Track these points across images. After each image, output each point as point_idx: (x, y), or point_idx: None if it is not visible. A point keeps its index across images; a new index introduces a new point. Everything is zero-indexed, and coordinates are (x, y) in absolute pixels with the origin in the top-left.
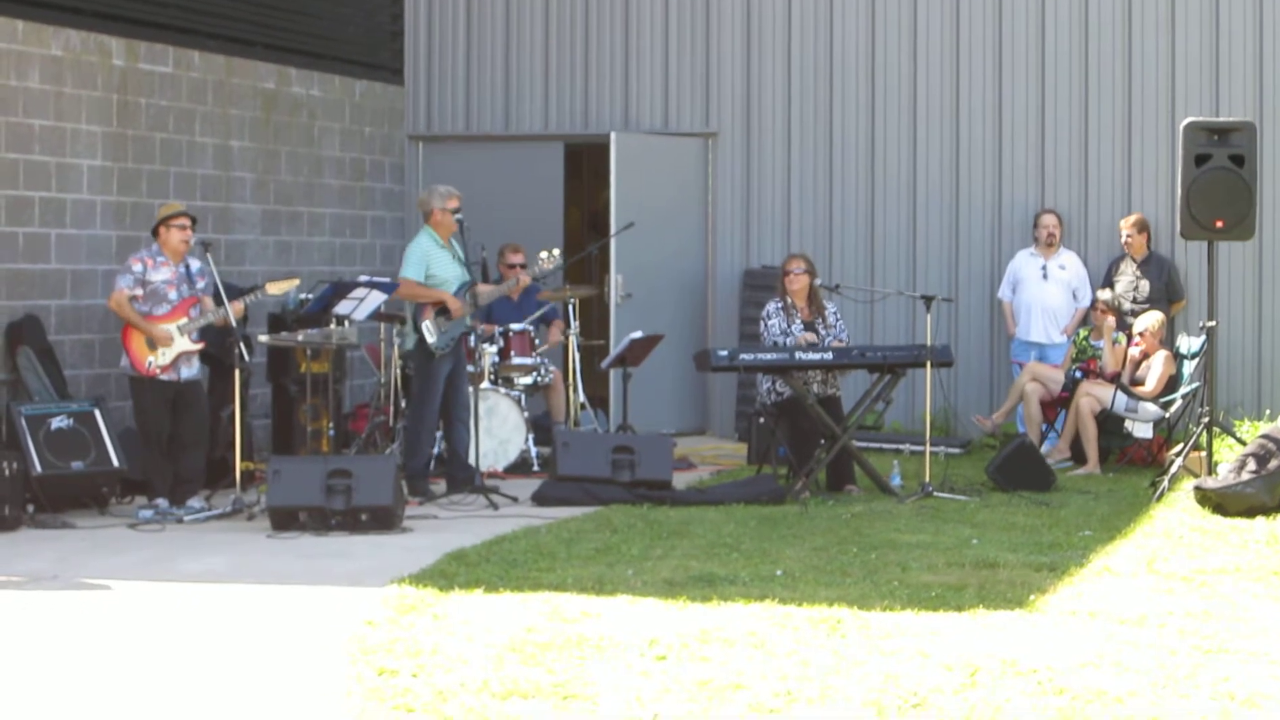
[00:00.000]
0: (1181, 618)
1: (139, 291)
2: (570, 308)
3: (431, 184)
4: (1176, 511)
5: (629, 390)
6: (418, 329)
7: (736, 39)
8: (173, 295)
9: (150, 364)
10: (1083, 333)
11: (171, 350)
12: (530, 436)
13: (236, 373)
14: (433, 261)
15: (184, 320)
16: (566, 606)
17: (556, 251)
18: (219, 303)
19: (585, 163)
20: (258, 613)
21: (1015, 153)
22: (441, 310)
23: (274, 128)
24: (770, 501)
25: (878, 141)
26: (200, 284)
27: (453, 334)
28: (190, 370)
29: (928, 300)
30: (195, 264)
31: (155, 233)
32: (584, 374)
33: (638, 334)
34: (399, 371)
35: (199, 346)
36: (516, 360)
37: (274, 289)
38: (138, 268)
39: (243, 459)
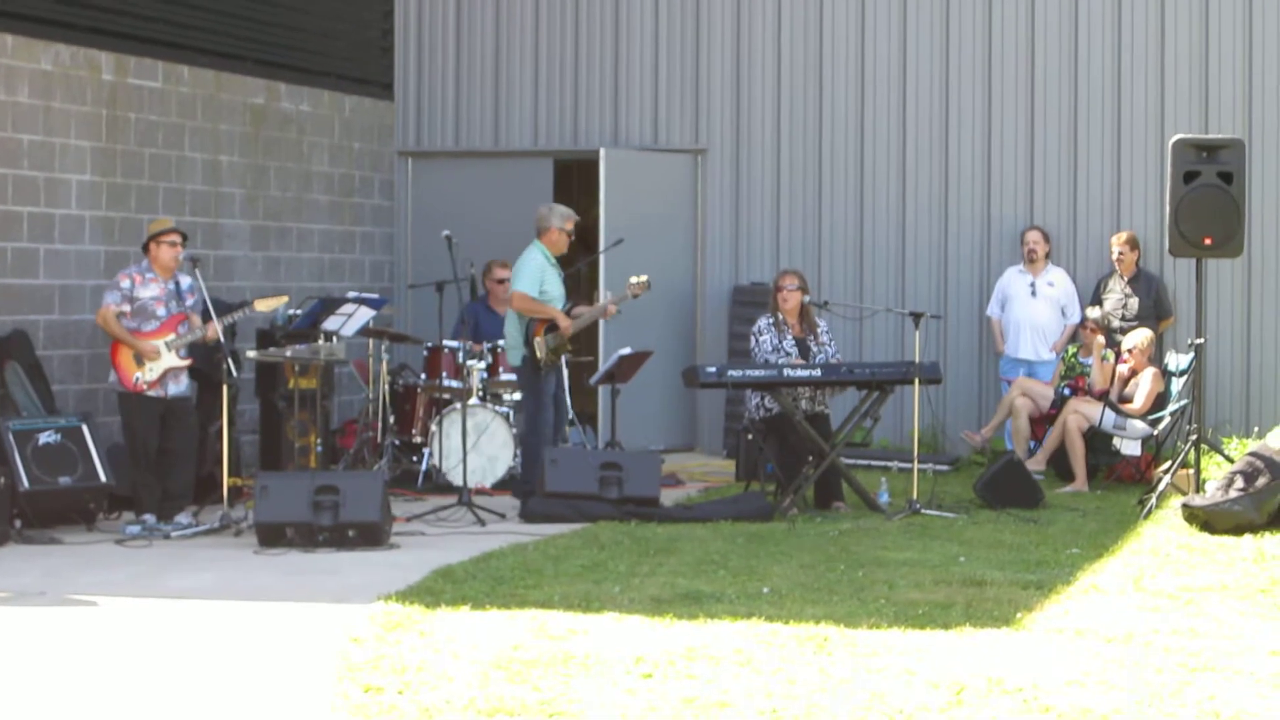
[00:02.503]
0: (1168, 635)
1: (126, 308)
2: None
3: (551, 204)
4: (1164, 529)
5: (617, 407)
6: (527, 344)
7: (726, 55)
8: (161, 311)
9: (138, 380)
10: (1071, 350)
11: (159, 366)
12: (518, 453)
13: (225, 388)
14: (545, 278)
15: (171, 336)
16: (553, 624)
17: (645, 277)
18: (207, 319)
19: (575, 178)
20: (244, 629)
21: (1004, 170)
22: (551, 327)
23: (263, 143)
24: (758, 519)
25: (867, 158)
26: (189, 301)
27: (561, 350)
28: (179, 386)
29: (916, 317)
30: (185, 280)
31: (145, 249)
32: (572, 390)
33: (626, 350)
34: (387, 387)
35: (186, 363)
36: (505, 376)
37: (262, 306)
38: (125, 284)
39: (230, 475)
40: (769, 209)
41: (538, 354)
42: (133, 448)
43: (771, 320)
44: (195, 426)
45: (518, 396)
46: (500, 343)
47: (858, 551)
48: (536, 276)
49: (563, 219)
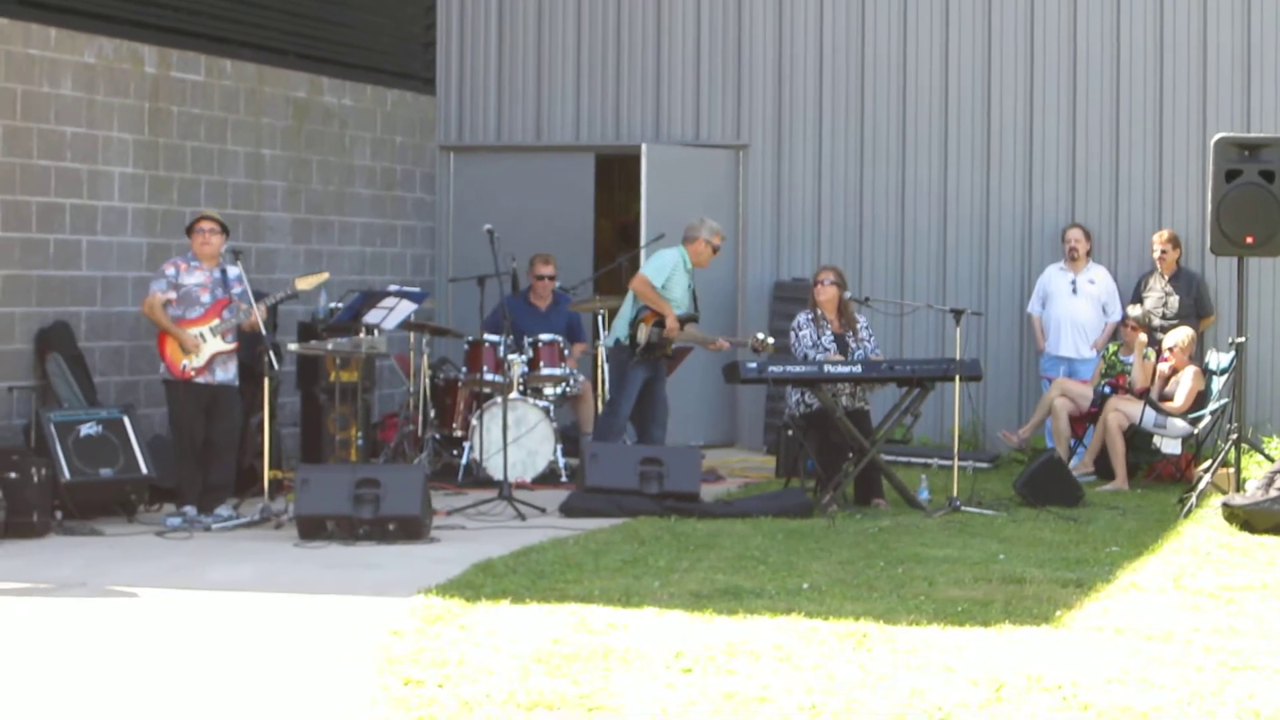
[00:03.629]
0: (1208, 634)
1: (172, 295)
2: (600, 319)
3: (703, 217)
4: (1204, 528)
5: None
6: (632, 329)
7: (768, 51)
8: (205, 298)
9: (185, 366)
10: (1112, 348)
11: (205, 352)
12: (559, 447)
13: (266, 381)
14: (673, 277)
15: (216, 321)
16: (593, 618)
17: (771, 340)
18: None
19: (616, 174)
20: (284, 622)
21: (1046, 167)
22: (659, 323)
23: (305, 136)
24: (798, 515)
25: (908, 154)
26: (236, 290)
27: (659, 349)
28: (226, 374)
29: (957, 314)
30: (233, 271)
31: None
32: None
33: None
34: (428, 381)
35: (233, 347)
36: (546, 371)
37: (303, 284)
38: (170, 271)
39: (271, 467)
40: (810, 205)
41: (638, 338)
42: (178, 437)
43: (810, 315)
44: (239, 417)
45: (558, 391)
46: (543, 337)
47: (897, 548)
48: (665, 271)
49: (711, 232)
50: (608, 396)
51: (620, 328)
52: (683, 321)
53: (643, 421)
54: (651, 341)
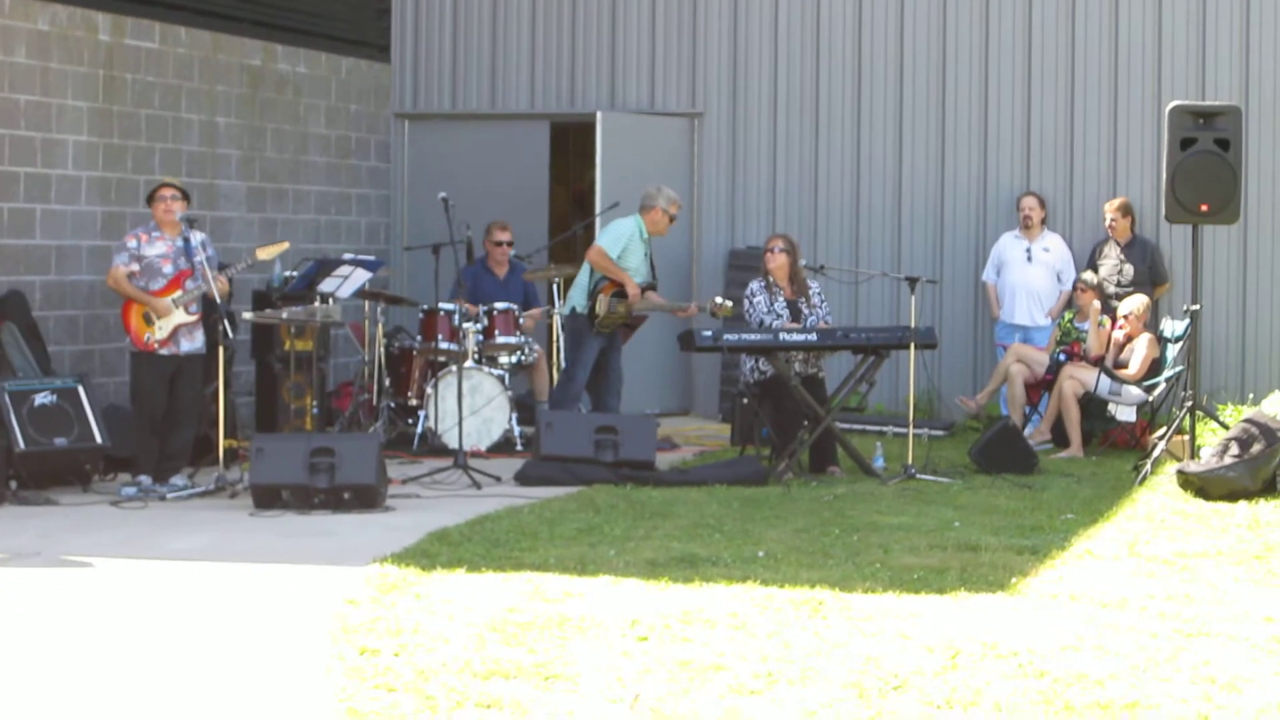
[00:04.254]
0: (1162, 601)
1: (135, 267)
2: (555, 287)
3: (660, 185)
4: (1159, 495)
5: None
6: (591, 298)
7: (724, 19)
8: (168, 269)
9: (148, 339)
10: (1067, 315)
11: (169, 323)
12: (514, 416)
13: (220, 350)
14: (629, 247)
15: (178, 293)
16: (548, 586)
17: (730, 304)
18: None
19: (571, 142)
20: (239, 591)
21: (1000, 135)
22: (619, 294)
23: (260, 104)
24: (753, 483)
25: (863, 123)
26: (198, 257)
27: (620, 318)
28: (191, 344)
29: (912, 282)
30: (197, 236)
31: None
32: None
33: None
34: (383, 349)
35: (195, 318)
36: (501, 339)
37: (264, 254)
38: (132, 244)
39: (226, 436)
40: (765, 173)
41: (597, 310)
42: (139, 407)
43: (763, 282)
44: (202, 385)
45: (513, 359)
46: (498, 306)
47: (853, 516)
48: (621, 241)
49: (668, 201)
50: (563, 365)
51: (577, 297)
52: (642, 290)
53: (598, 391)
54: (612, 310)
